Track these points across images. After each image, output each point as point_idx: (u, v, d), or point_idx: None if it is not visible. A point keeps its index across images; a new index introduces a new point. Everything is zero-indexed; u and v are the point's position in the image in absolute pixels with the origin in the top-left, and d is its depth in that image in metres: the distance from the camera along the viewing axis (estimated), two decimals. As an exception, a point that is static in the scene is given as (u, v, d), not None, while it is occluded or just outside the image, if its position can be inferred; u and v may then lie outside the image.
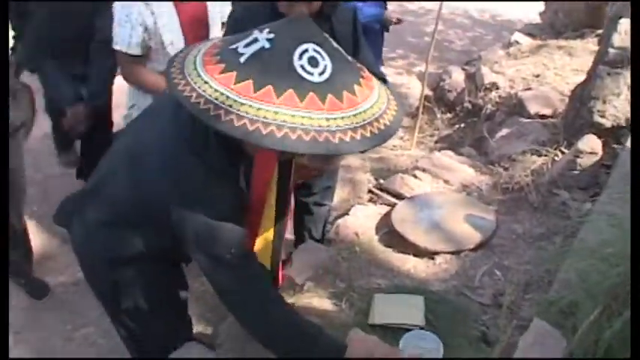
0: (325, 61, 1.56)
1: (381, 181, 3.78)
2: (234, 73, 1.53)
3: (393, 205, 3.39)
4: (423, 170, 3.72)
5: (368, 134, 1.56)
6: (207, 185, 1.73)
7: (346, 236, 3.19)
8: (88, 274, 2.31)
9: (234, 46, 1.60)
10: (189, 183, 1.75)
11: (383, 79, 2.74)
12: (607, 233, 2.07)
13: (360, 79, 1.64)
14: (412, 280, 2.78)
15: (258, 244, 2.10)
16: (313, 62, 1.54)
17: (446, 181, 3.64)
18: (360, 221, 3.30)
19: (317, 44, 1.56)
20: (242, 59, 1.55)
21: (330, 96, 1.53)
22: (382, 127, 1.60)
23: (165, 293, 2.28)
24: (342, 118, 1.53)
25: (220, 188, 1.75)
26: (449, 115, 5.51)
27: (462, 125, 5.20)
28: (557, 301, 2.17)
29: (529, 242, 3.01)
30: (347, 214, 3.45)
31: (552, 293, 2.37)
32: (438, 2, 4.68)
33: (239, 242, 1.80)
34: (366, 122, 1.57)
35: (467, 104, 5.28)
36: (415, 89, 5.98)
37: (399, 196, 3.49)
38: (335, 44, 1.65)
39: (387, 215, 3.28)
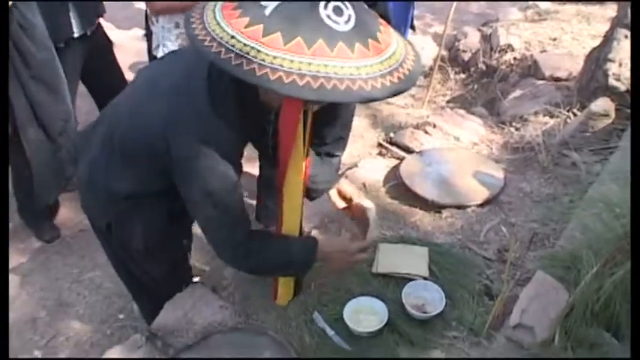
0: (349, 10, 1.57)
1: (391, 135, 3.76)
2: (261, 26, 1.52)
3: (401, 159, 3.38)
4: (434, 126, 3.70)
5: (396, 80, 1.58)
6: (213, 126, 1.75)
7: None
8: (90, 211, 2.34)
9: None
10: (197, 118, 1.76)
11: None
12: (614, 190, 2.06)
13: (381, 27, 1.66)
14: (418, 232, 2.79)
15: (287, 196, 2.09)
16: (338, 11, 1.55)
17: (456, 138, 3.62)
18: (369, 173, 3.29)
19: None
20: (267, 12, 1.54)
21: (357, 44, 1.54)
22: (407, 72, 1.63)
23: (164, 235, 2.30)
24: (371, 65, 1.55)
25: (225, 134, 1.76)
26: (462, 76, 5.46)
27: (476, 86, 5.15)
28: (560, 255, 2.18)
29: (536, 201, 2.99)
30: (356, 166, 3.44)
31: (557, 248, 2.37)
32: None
33: (227, 187, 1.85)
34: (392, 68, 1.59)
35: (481, 65, 5.22)
36: (429, 50, 5.92)
37: (408, 150, 3.48)
38: None
39: (396, 168, 3.27)
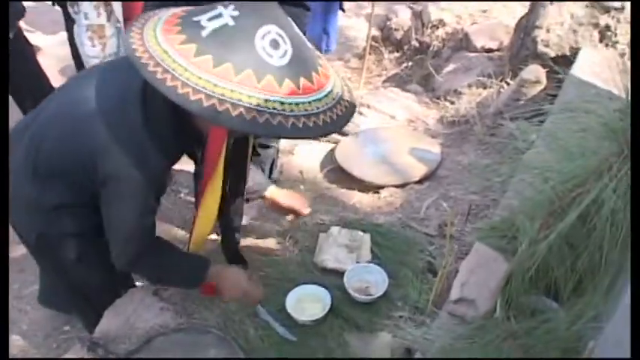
0: (286, 46, 1.56)
1: (326, 119, 3.71)
2: (194, 46, 1.51)
3: (337, 142, 3.34)
4: (368, 107, 3.68)
5: (320, 122, 1.57)
6: (145, 149, 1.72)
7: (291, 175, 3.15)
8: (18, 225, 2.22)
9: (197, 19, 1.57)
10: (128, 138, 1.73)
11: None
12: (547, 155, 2.05)
13: (318, 67, 1.64)
14: (357, 214, 2.76)
15: (204, 209, 2.14)
16: (274, 44, 1.54)
17: (392, 117, 3.60)
18: (305, 160, 3.26)
19: (280, 27, 1.56)
20: (204, 33, 1.54)
21: (287, 80, 1.53)
22: (335, 117, 1.61)
23: (98, 243, 2.22)
24: (297, 104, 1.54)
25: (156, 157, 1.74)
26: (396, 55, 5.42)
27: (410, 64, 5.11)
28: (498, 224, 2.16)
29: (475, 173, 2.99)
30: (292, 153, 3.39)
31: (495, 218, 2.36)
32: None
33: (142, 212, 1.87)
34: (319, 111, 1.58)
35: (414, 42, 5.19)
36: (362, 31, 5.85)
37: (343, 133, 3.43)
38: (297, 29, 1.63)
39: (332, 152, 3.24)
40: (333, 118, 1.60)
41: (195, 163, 2.31)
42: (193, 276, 2.12)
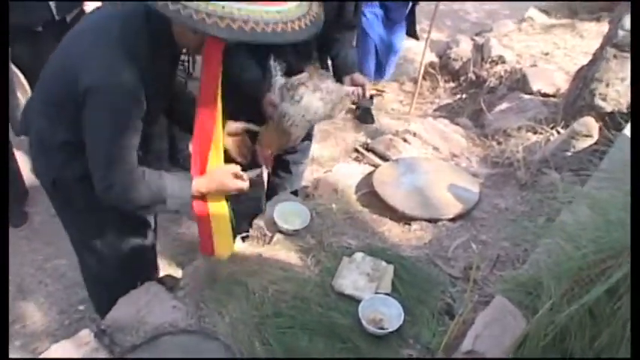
0: None
1: (369, 141, 3.69)
2: None
3: (377, 166, 3.31)
4: (414, 134, 3.63)
5: (309, 22, 1.79)
6: (119, 59, 1.85)
7: (325, 193, 3.11)
8: (37, 169, 2.33)
9: None
10: (103, 51, 1.86)
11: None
12: (584, 216, 1.98)
13: None
14: (384, 243, 2.72)
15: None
16: None
17: (435, 148, 3.55)
18: (341, 179, 3.22)
19: None
20: None
21: None
22: (315, 15, 1.83)
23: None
24: (288, 10, 1.74)
25: (130, 68, 1.86)
26: (452, 85, 5.40)
27: (464, 96, 5.08)
28: (523, 279, 2.11)
29: (510, 219, 2.93)
30: (330, 171, 3.37)
31: (522, 272, 2.30)
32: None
33: (121, 124, 1.94)
34: (305, 12, 1.79)
35: (471, 75, 5.16)
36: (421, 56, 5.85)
37: (385, 158, 3.41)
38: None
39: (369, 175, 3.20)
40: (314, 16, 1.81)
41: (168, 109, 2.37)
42: (181, 190, 2.15)
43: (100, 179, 2.00)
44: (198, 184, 2.18)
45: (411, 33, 4.99)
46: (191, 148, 2.26)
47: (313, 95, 2.45)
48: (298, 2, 1.79)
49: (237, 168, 2.29)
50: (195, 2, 1.65)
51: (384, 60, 4.96)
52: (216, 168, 2.23)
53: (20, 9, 3.41)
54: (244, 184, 2.28)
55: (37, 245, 3.74)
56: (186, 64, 4.21)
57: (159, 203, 2.12)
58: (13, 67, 3.50)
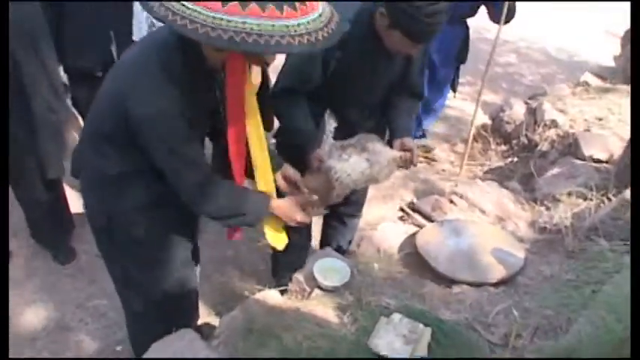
0: None
1: (414, 200, 3.67)
2: None
3: (421, 227, 3.28)
4: (461, 196, 3.61)
5: (320, 38, 1.78)
6: (163, 87, 1.95)
7: (367, 251, 3.11)
8: (90, 207, 2.42)
9: None
10: (148, 81, 1.96)
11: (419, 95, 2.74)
12: (629, 288, 1.93)
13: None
14: (424, 305, 2.68)
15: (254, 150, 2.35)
16: None
17: (482, 211, 3.52)
18: (385, 238, 3.21)
19: None
20: None
21: (285, 6, 1.72)
22: (330, 31, 1.83)
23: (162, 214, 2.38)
24: (298, 25, 1.74)
25: (174, 93, 1.95)
26: (504, 147, 5.36)
27: (515, 159, 5.03)
28: (560, 352, 2.05)
29: (555, 287, 2.85)
30: (375, 229, 3.36)
31: (562, 342, 2.24)
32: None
33: (180, 135, 2.03)
34: (318, 28, 1.79)
35: (523, 138, 5.11)
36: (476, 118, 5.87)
37: (430, 219, 3.38)
38: None
39: (413, 236, 3.18)
40: (329, 33, 1.82)
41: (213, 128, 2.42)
42: (259, 208, 2.31)
43: (182, 191, 2.15)
44: (274, 204, 2.35)
45: (453, 88, 5.10)
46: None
47: (360, 155, 2.48)
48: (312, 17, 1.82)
49: (305, 199, 2.44)
50: (213, 20, 1.69)
51: (424, 119, 5.06)
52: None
53: (81, 53, 3.52)
54: (307, 219, 2.44)
55: (80, 284, 3.82)
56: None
57: (239, 215, 2.25)
58: (72, 110, 3.62)
